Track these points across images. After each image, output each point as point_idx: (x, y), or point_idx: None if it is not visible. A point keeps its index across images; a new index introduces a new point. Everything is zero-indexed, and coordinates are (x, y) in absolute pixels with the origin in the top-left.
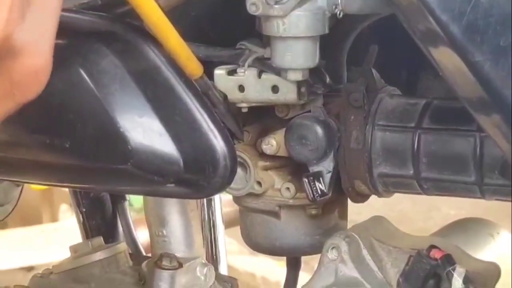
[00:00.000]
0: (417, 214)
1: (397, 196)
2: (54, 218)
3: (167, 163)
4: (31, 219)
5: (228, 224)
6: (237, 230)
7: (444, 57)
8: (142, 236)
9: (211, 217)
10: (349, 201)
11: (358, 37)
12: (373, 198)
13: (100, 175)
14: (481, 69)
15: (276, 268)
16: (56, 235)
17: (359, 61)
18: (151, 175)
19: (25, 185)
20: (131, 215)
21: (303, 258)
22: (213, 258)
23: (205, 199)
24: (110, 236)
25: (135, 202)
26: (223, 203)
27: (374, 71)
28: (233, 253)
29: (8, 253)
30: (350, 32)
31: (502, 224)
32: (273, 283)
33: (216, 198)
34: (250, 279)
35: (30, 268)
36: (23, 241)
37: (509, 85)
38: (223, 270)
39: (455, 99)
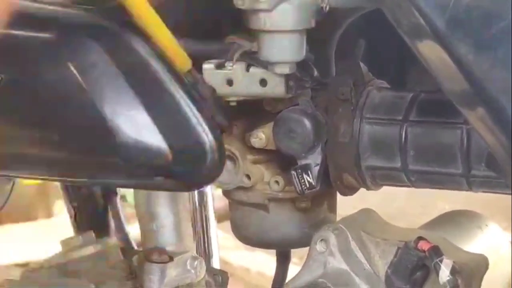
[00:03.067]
0: (413, 210)
1: (392, 191)
2: (49, 214)
3: (156, 156)
4: (26, 215)
5: (224, 218)
6: None
7: (429, 50)
8: (136, 230)
9: (203, 212)
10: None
11: (346, 30)
12: (369, 193)
13: (89, 169)
14: (464, 62)
15: (272, 263)
16: (51, 231)
17: (347, 55)
18: (140, 168)
19: (18, 181)
20: (126, 210)
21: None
22: (205, 252)
23: (196, 194)
24: (102, 231)
25: (130, 197)
26: (218, 197)
27: (361, 64)
28: (229, 248)
29: (3, 249)
30: (338, 25)
31: (498, 219)
32: (268, 277)
33: (208, 192)
34: (245, 274)
35: (25, 264)
36: (19, 237)
37: (491, 77)
38: (215, 264)
39: (442, 91)
